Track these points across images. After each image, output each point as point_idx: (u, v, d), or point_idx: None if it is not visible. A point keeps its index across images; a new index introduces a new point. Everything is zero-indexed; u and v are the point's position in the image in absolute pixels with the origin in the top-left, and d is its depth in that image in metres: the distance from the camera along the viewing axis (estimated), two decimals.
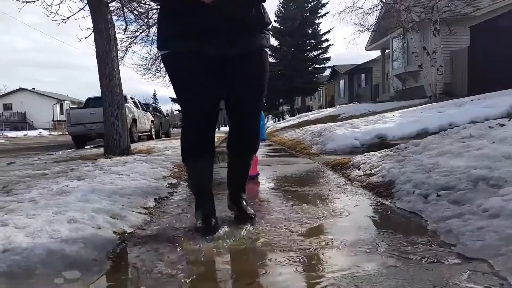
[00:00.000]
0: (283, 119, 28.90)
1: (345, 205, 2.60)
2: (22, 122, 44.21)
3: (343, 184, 3.36)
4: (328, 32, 33.64)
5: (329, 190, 3.11)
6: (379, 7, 16.90)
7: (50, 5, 8.06)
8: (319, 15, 33.52)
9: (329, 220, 2.21)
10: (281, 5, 34.01)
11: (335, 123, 8.79)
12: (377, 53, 25.63)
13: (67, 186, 3.02)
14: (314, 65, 34.67)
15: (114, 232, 2.03)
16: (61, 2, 8.22)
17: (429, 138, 3.90)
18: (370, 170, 3.52)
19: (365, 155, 4.16)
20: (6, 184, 3.67)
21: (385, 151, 4.04)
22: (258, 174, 4.02)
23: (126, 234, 2.05)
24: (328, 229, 2.07)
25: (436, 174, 2.62)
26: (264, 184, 3.66)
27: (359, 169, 3.75)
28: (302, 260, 1.61)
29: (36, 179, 3.98)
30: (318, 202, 2.69)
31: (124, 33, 10.74)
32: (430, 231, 1.94)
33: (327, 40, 33.94)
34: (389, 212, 2.38)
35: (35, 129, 40.00)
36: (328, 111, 19.64)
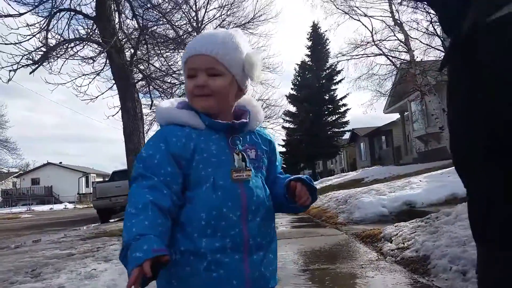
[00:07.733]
0: None
1: (381, 283, 2.49)
2: (49, 196, 45.12)
3: (376, 260, 3.24)
4: (345, 97, 34.29)
5: (362, 267, 2.99)
6: (394, 72, 17.25)
7: (80, 86, 8.57)
8: (334, 81, 34.41)
9: None
10: (296, 74, 35.27)
11: (360, 189, 8.65)
12: (396, 115, 25.77)
13: (95, 269, 3.01)
14: (333, 129, 35.01)
15: None
16: (90, 83, 8.74)
17: (460, 206, 3.78)
18: (403, 243, 3.40)
19: (395, 226, 4.04)
20: (34, 267, 3.68)
21: (416, 221, 3.92)
22: None
23: None
24: None
25: (472, 248, 2.51)
26: (292, 261, 3.55)
27: (391, 242, 3.63)
28: None
29: (64, 260, 3.99)
30: (352, 282, 2.59)
31: (150, 108, 11.20)
32: None
33: (344, 104, 34.58)
34: None
35: (61, 202, 40.69)
36: (351, 175, 19.38)
